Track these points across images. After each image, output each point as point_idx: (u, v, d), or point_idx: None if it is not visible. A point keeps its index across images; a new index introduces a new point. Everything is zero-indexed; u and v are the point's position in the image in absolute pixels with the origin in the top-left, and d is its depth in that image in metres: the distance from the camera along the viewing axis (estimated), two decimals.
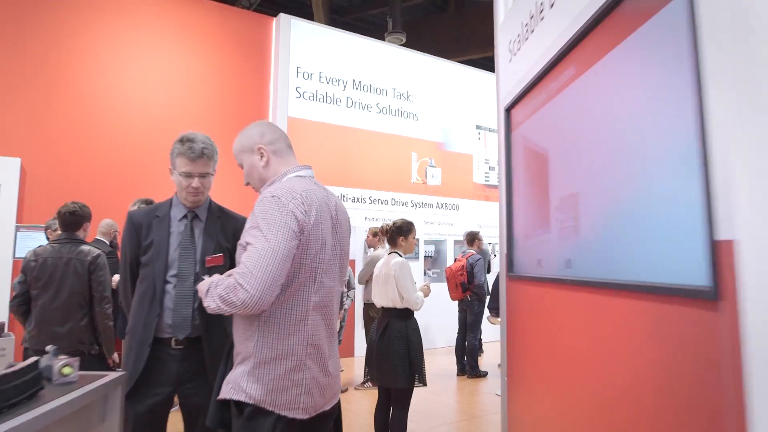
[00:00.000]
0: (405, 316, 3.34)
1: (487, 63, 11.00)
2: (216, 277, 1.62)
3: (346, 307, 6.16)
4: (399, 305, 3.31)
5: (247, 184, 1.85)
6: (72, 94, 6.04)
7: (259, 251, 1.48)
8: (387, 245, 3.62)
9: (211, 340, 2.12)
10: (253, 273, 1.45)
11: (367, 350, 3.44)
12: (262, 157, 1.76)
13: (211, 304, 1.53)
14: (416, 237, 3.57)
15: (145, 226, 2.19)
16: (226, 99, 7.03)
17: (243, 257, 1.52)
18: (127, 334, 2.14)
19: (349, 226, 1.88)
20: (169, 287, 2.12)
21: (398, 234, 3.47)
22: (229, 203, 2.52)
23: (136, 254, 2.18)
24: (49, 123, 5.86)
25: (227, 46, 7.16)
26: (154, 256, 2.14)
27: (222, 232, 2.25)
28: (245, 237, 1.57)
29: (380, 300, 3.41)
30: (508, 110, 2.22)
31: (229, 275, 1.55)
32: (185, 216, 2.23)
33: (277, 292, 1.50)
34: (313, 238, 1.59)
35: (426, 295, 3.48)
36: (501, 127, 2.24)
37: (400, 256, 3.44)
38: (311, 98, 7.64)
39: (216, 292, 1.51)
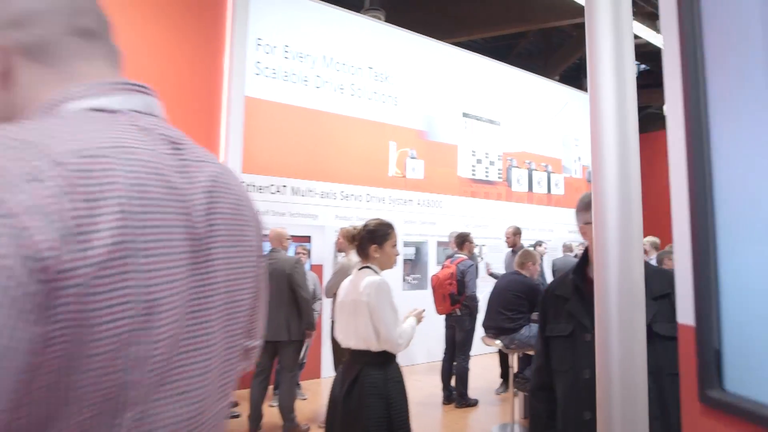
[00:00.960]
0: (383, 362, 2.27)
1: (475, 46, 10.00)
2: None
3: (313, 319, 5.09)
4: (374, 347, 2.25)
5: None
6: None
7: None
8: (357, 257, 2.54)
9: None
10: None
11: (328, 411, 2.35)
12: None
13: None
14: (396, 243, 2.48)
15: None
16: (171, 75, 5.85)
17: None
18: None
19: (259, 230, 0.80)
20: None
21: (371, 241, 2.40)
22: None
23: None
24: None
25: (172, 11, 5.98)
26: None
27: None
28: None
29: (346, 338, 2.34)
30: None
31: None
32: None
33: None
34: (103, 300, 0.49)
35: (419, 321, 2.43)
36: None
37: (376, 272, 2.37)
38: (273, 75, 6.52)
39: None
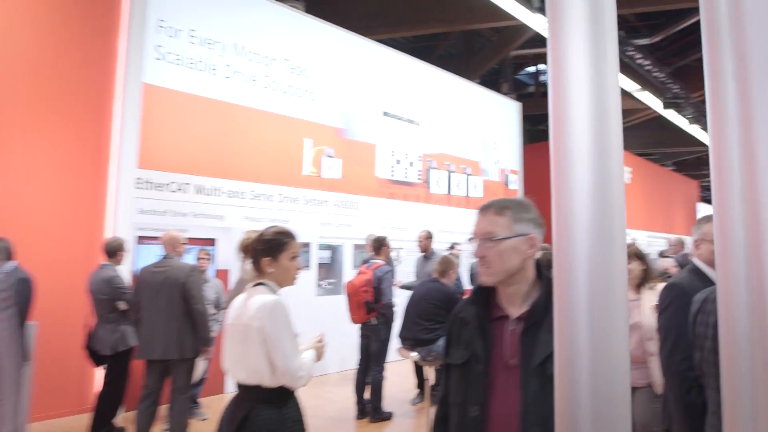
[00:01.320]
0: (279, 399, 1.90)
1: (396, 44, 9.77)
2: None
3: (214, 333, 4.63)
4: (268, 382, 1.87)
5: None
6: None
7: None
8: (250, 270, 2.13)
9: None
10: None
11: None
12: None
13: None
14: (299, 255, 2.11)
15: None
16: (54, 54, 5.12)
17: None
18: None
19: None
20: None
21: (264, 253, 2.02)
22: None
23: None
24: None
25: None
26: None
27: None
28: None
29: (234, 370, 1.95)
30: None
31: None
32: None
33: None
34: None
35: (320, 357, 2.08)
36: None
37: (272, 291, 2.00)
38: (177, 62, 5.92)
39: None
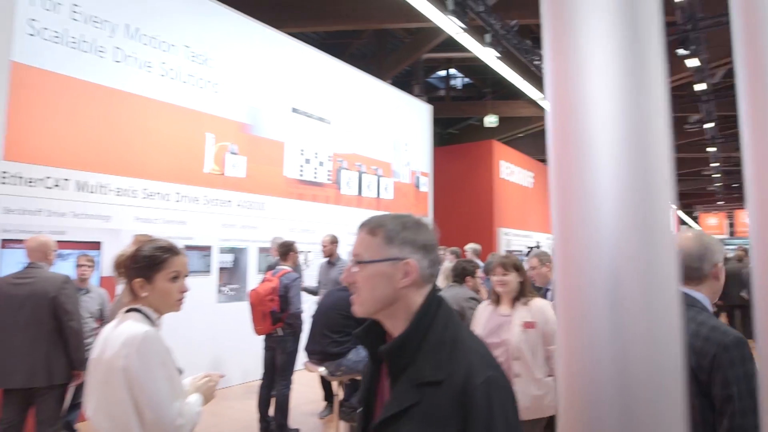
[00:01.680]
0: None
1: (308, 40, 9.40)
2: None
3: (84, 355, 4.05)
4: None
5: None
6: None
7: None
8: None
9: None
10: None
11: None
12: None
13: None
14: (183, 274, 1.71)
15: None
16: None
17: None
18: None
19: None
20: None
21: (137, 273, 1.64)
22: None
23: None
24: None
25: None
26: None
27: None
28: None
29: (96, 418, 1.56)
30: None
31: None
32: None
33: None
34: None
35: (208, 399, 1.72)
36: None
37: (148, 319, 1.62)
38: (56, 40, 5.20)
39: None
